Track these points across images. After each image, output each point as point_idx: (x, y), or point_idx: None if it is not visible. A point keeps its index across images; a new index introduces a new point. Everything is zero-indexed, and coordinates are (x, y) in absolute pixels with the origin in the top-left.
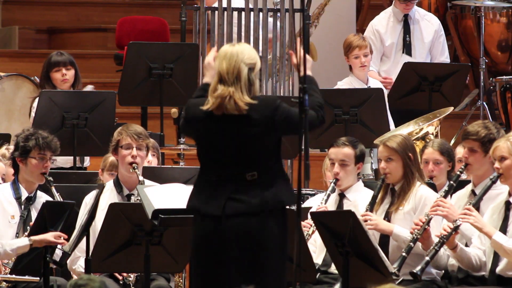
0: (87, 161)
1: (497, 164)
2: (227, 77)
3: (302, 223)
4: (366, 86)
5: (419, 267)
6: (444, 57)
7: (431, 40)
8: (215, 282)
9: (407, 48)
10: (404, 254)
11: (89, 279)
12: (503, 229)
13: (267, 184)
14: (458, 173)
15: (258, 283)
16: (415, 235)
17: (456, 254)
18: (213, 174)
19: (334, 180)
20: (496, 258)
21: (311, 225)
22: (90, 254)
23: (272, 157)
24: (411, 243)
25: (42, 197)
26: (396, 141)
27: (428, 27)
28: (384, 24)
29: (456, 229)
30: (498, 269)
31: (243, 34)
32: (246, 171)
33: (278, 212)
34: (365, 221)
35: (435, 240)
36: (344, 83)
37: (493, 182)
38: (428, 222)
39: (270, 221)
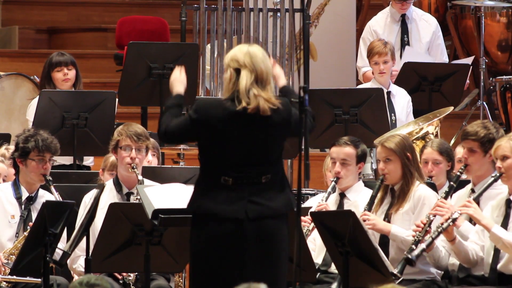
0: (90, 160)
1: (499, 164)
2: (264, 77)
3: (302, 218)
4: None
5: (415, 253)
6: (444, 57)
7: (429, 41)
8: (225, 282)
9: (404, 48)
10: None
11: (97, 279)
12: (504, 226)
13: (278, 187)
14: (458, 173)
15: (270, 282)
16: (417, 237)
17: (454, 247)
18: (229, 177)
19: (335, 179)
20: (497, 255)
21: (310, 222)
22: (90, 254)
23: (281, 159)
24: (413, 246)
25: (44, 196)
26: (394, 142)
27: (426, 28)
28: (381, 24)
29: (454, 220)
30: (499, 266)
31: (243, 34)
32: (263, 173)
33: (287, 215)
34: (363, 220)
35: (436, 242)
36: (365, 87)
37: (495, 180)
38: (429, 224)
39: (283, 223)
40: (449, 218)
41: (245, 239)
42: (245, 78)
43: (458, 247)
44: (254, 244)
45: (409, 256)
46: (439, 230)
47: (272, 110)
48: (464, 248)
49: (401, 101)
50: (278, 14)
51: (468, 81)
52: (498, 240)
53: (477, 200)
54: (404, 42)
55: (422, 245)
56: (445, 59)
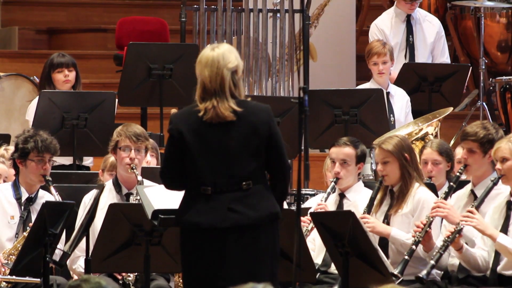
0: (89, 160)
1: (498, 165)
2: (210, 85)
3: (302, 219)
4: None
5: (424, 271)
6: (444, 57)
7: (433, 41)
8: None
9: (410, 48)
10: (406, 257)
11: (82, 280)
12: (505, 228)
13: (260, 194)
14: (458, 174)
15: None
16: (417, 237)
17: (462, 255)
18: (208, 186)
19: (334, 179)
20: (497, 257)
21: (310, 221)
22: (90, 254)
23: (262, 165)
24: (413, 246)
25: (44, 197)
26: (392, 143)
27: (430, 28)
28: (388, 24)
29: (459, 232)
30: (499, 268)
31: (242, 34)
32: (243, 180)
33: (274, 223)
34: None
35: (436, 242)
36: (365, 87)
37: (494, 184)
38: (429, 225)
39: (267, 231)
40: (454, 230)
41: (225, 249)
42: (197, 89)
43: (467, 255)
44: (234, 253)
45: (420, 275)
46: (446, 244)
47: (235, 115)
48: (472, 255)
49: (400, 101)
50: (278, 14)
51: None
52: (504, 249)
53: (479, 206)
54: (409, 43)
55: (432, 262)
56: (445, 59)
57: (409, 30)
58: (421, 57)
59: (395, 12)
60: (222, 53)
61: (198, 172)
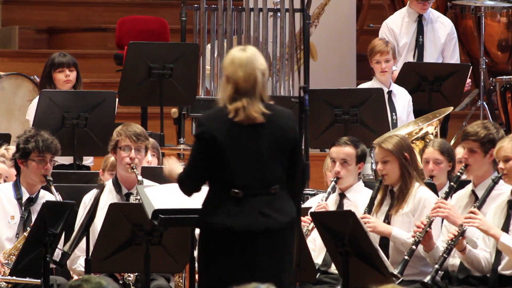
0: (89, 160)
1: (501, 165)
2: (244, 85)
3: (302, 218)
4: (387, 90)
5: (429, 277)
6: (454, 59)
7: (443, 42)
8: None
9: (419, 48)
10: (406, 257)
11: (83, 281)
12: (506, 227)
13: (284, 198)
14: (459, 174)
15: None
16: (417, 237)
17: (465, 256)
18: (239, 189)
19: (335, 179)
20: (498, 257)
21: (310, 221)
22: (90, 254)
23: (285, 170)
24: (413, 246)
25: (45, 197)
26: (392, 143)
27: (441, 29)
28: (398, 24)
29: (462, 233)
30: (500, 268)
31: (243, 34)
32: (271, 184)
33: (293, 227)
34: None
35: (437, 242)
36: (366, 86)
37: (495, 183)
38: (429, 225)
39: (290, 235)
40: (458, 232)
41: (257, 250)
42: (228, 89)
43: (470, 256)
44: (264, 256)
45: (425, 280)
46: (449, 247)
47: (264, 118)
48: (475, 256)
49: (402, 100)
50: (278, 14)
51: (469, 79)
52: (507, 249)
53: (481, 206)
54: (419, 43)
55: (436, 266)
56: (455, 61)
57: (420, 30)
58: (430, 57)
59: (408, 11)
60: (254, 54)
61: (228, 175)
